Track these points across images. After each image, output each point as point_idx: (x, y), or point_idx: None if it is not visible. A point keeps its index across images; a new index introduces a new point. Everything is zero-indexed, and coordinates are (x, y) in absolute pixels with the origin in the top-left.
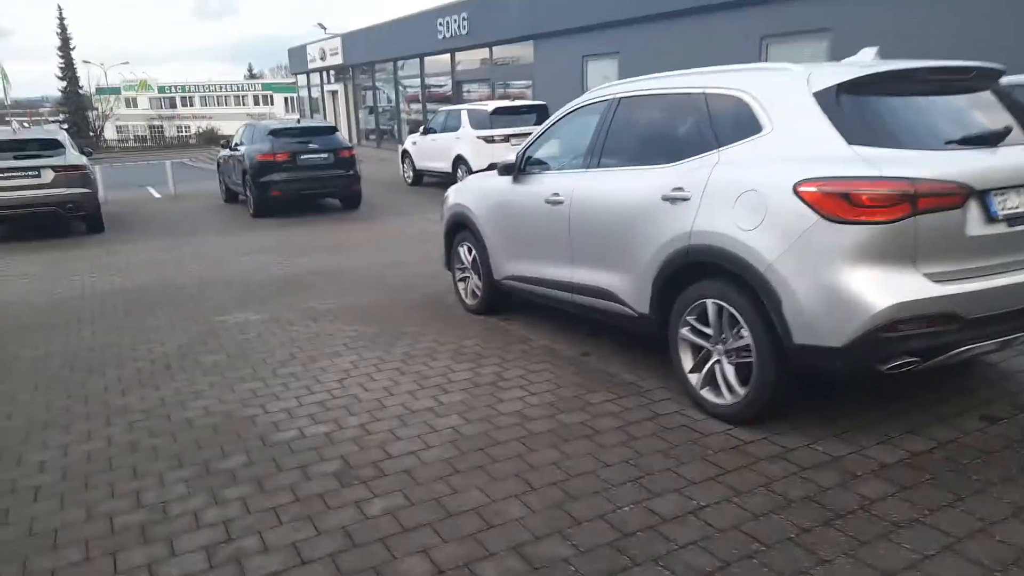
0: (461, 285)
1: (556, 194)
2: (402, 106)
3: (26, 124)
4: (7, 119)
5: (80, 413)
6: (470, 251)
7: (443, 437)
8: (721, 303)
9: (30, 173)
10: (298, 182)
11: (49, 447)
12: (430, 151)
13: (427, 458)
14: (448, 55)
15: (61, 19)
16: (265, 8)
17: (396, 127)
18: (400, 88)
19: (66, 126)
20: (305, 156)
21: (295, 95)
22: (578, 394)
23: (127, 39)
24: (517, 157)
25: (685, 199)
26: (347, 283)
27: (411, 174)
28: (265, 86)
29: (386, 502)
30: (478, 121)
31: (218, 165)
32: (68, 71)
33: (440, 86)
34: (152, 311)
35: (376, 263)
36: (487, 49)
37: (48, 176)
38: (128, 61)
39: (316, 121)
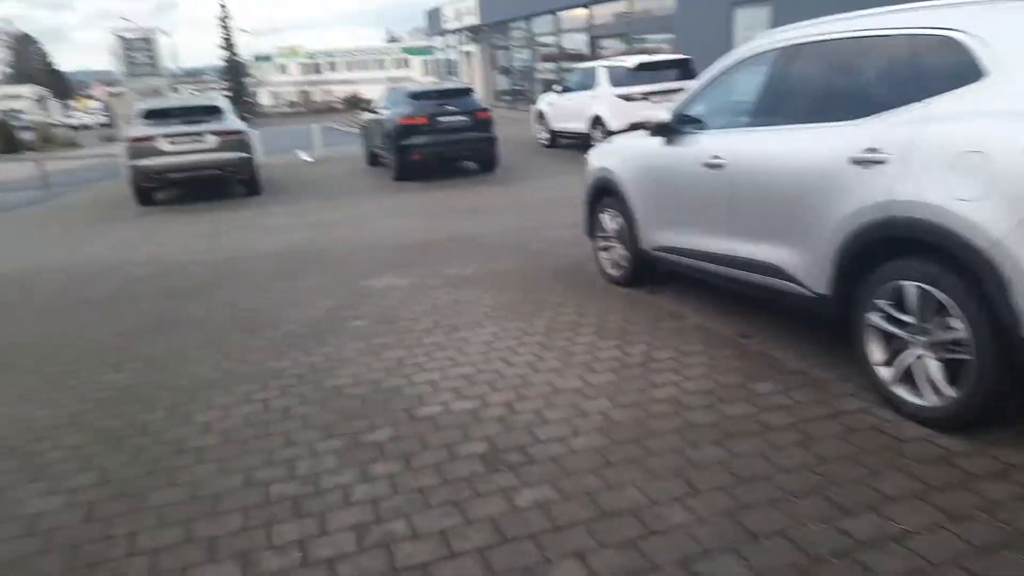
0: (604, 255)
1: (716, 156)
2: (536, 65)
3: (195, 92)
4: (175, 88)
5: (240, 374)
6: (614, 219)
7: (592, 423)
8: (925, 286)
9: (195, 137)
10: (437, 145)
11: (213, 407)
12: (566, 111)
13: (577, 446)
14: (584, 9)
15: None
16: None
17: (531, 87)
18: (534, 47)
19: (228, 93)
20: (443, 119)
21: (432, 58)
22: (740, 382)
23: (276, 6)
24: (671, 115)
25: (880, 162)
26: (486, 248)
27: (547, 135)
28: (404, 49)
29: (536, 493)
30: (617, 78)
31: (362, 129)
32: (228, 41)
33: (573, 45)
34: (303, 273)
35: (513, 227)
36: (626, 1)
37: (211, 141)
38: (279, 29)
39: (453, 82)
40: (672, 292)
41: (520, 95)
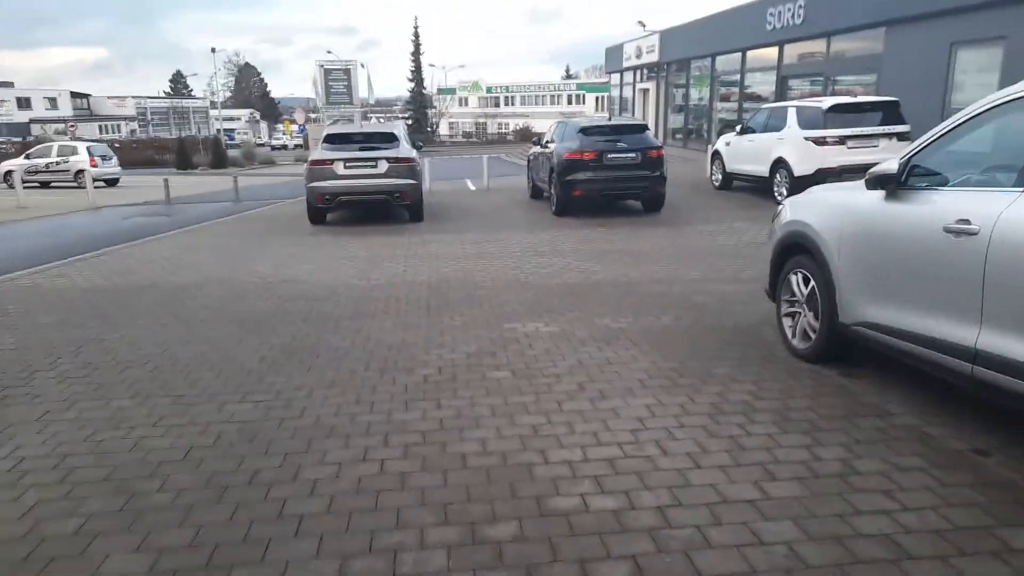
0: (787, 321)
1: (964, 220)
2: (715, 104)
3: (382, 120)
4: (368, 116)
5: (362, 424)
6: (807, 281)
7: (774, 560)
8: None
9: (369, 163)
10: (602, 182)
11: (326, 463)
12: (745, 152)
13: None
14: (774, 48)
15: (416, 29)
16: (587, 10)
17: (706, 126)
18: (715, 86)
19: (410, 122)
20: (612, 155)
21: (606, 94)
22: (984, 524)
23: (467, 44)
24: (898, 166)
25: None
26: (645, 298)
27: (720, 177)
28: (579, 86)
29: None
30: (808, 120)
31: (528, 161)
32: (416, 74)
33: (758, 85)
34: (449, 309)
35: (677, 277)
36: (822, 40)
37: (383, 167)
38: (464, 64)
39: (627, 119)
40: (873, 378)
41: (694, 134)
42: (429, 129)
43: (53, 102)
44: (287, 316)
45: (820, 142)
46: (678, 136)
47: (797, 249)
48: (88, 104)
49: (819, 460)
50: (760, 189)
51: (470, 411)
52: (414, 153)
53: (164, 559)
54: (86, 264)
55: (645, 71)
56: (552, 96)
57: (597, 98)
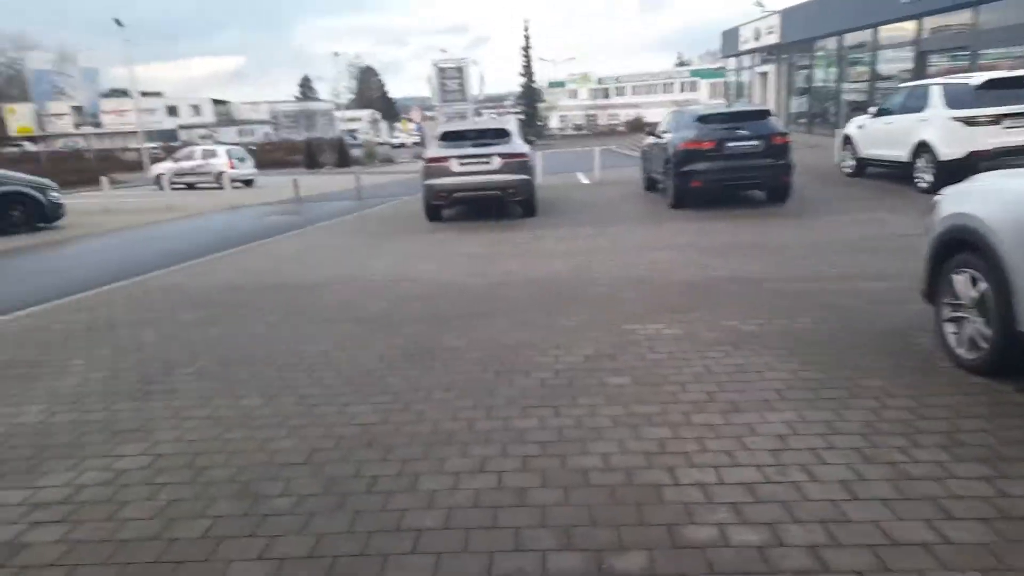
0: (950, 327)
1: None
2: (842, 86)
3: (494, 115)
4: (480, 112)
5: (480, 431)
6: (974, 282)
7: None
8: None
9: (483, 160)
10: (722, 172)
11: (443, 472)
12: (881, 136)
13: None
14: (911, 22)
15: (526, 25)
16: None
17: (833, 110)
18: (842, 66)
19: (521, 117)
20: (732, 144)
21: (721, 80)
22: None
23: (576, 36)
24: None
25: None
26: (774, 296)
27: (852, 163)
28: (692, 72)
29: None
30: (956, 98)
31: (641, 152)
32: (527, 69)
33: (892, 63)
34: (565, 308)
35: (813, 274)
36: (968, 11)
37: (496, 163)
38: (574, 56)
39: (747, 105)
40: None
41: (819, 119)
42: (539, 123)
43: (197, 109)
44: (405, 316)
45: (971, 122)
46: (801, 121)
47: (962, 246)
48: (227, 110)
49: (1007, 498)
50: (898, 176)
51: (590, 420)
52: (527, 148)
53: (285, 568)
54: (224, 262)
55: (764, 54)
56: (664, 84)
57: (711, 84)
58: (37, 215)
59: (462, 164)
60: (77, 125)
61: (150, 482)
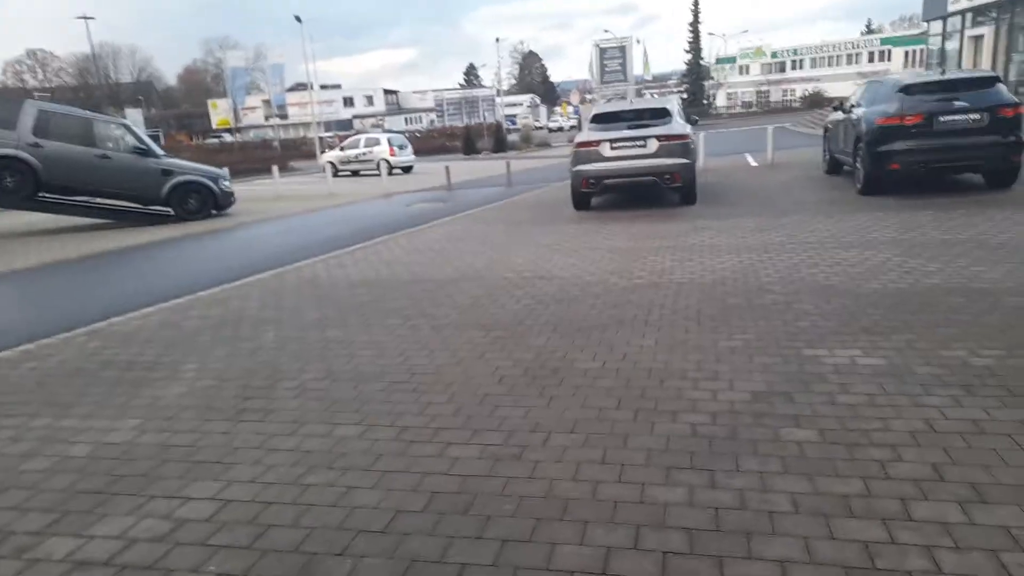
0: None
1: None
2: None
3: (655, 95)
4: (641, 92)
5: (606, 502)
6: None
7: None
8: None
9: (637, 143)
10: (929, 152)
11: (552, 569)
12: None
13: None
14: None
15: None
16: None
17: None
18: None
19: (685, 95)
20: (946, 118)
21: (921, 48)
22: None
23: (754, 9)
24: None
25: None
26: (1015, 316)
27: None
28: (883, 40)
29: None
30: None
31: (825, 130)
32: (694, 45)
33: None
34: (726, 322)
35: None
36: None
37: (653, 146)
38: (748, 30)
39: (967, 71)
40: None
41: None
42: (704, 102)
43: (370, 99)
44: (536, 322)
45: None
46: (1022, 91)
47: None
48: (396, 99)
49: None
50: None
51: (760, 498)
52: (688, 129)
53: None
54: (364, 253)
55: (978, 13)
56: (849, 55)
57: (907, 52)
58: (211, 202)
59: (614, 148)
60: (267, 117)
61: (204, 542)
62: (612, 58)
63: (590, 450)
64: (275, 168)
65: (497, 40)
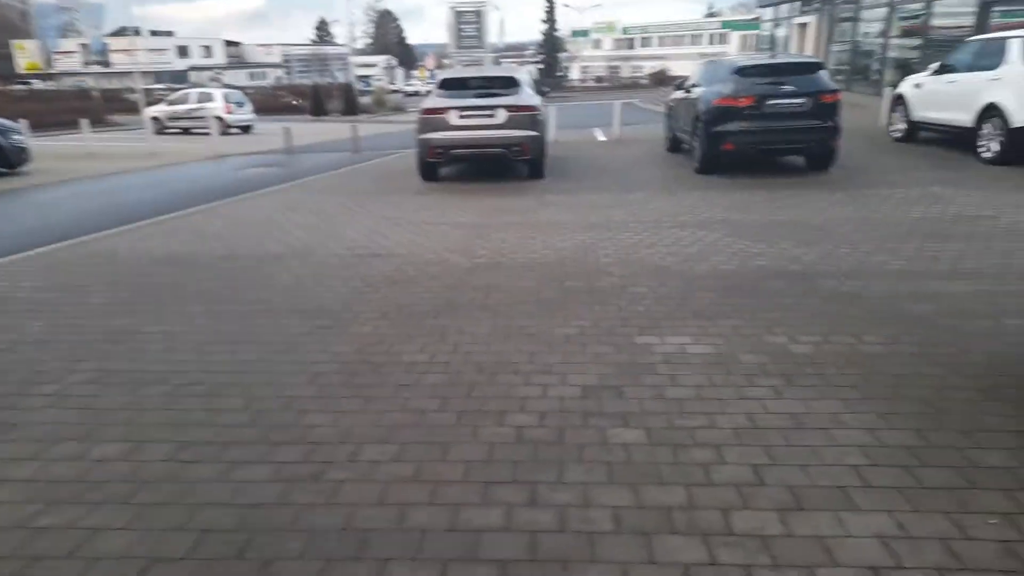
0: None
1: None
2: (890, 41)
3: (514, 64)
4: (499, 61)
5: (413, 535)
6: None
7: None
8: None
9: (486, 112)
10: (760, 133)
11: None
12: (942, 97)
13: None
14: None
15: None
16: None
17: (879, 67)
18: (892, 17)
19: (541, 67)
20: (775, 101)
21: (755, 32)
22: None
23: None
24: None
25: None
26: (832, 301)
27: (903, 126)
28: (724, 23)
29: None
30: None
31: (667, 109)
32: (550, 15)
33: (950, 13)
34: (564, 307)
35: (873, 267)
36: None
37: (502, 116)
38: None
39: (794, 56)
40: None
41: (860, 76)
42: (559, 74)
43: (208, 50)
44: (364, 308)
45: None
46: (840, 78)
47: None
48: (239, 52)
49: None
50: (955, 143)
51: (580, 518)
52: (537, 101)
53: None
54: (176, 224)
55: (804, 4)
56: (692, 36)
57: (743, 36)
58: None
59: (462, 117)
60: (85, 64)
61: None
62: (468, 22)
63: (403, 465)
64: (84, 122)
65: None
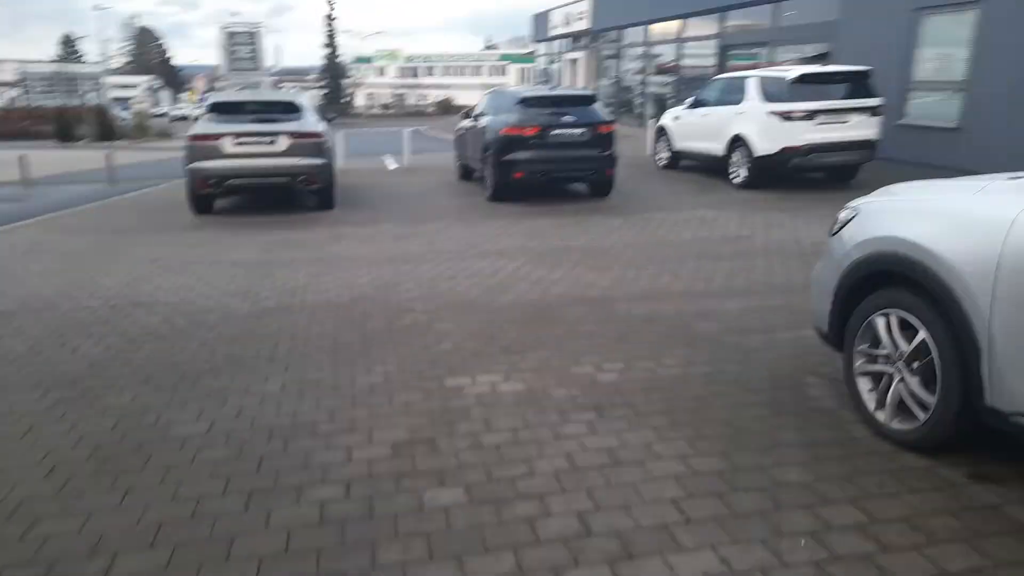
0: (865, 384)
1: None
2: (649, 77)
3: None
4: (280, 85)
5: None
6: (904, 327)
7: None
8: None
9: (265, 139)
10: (546, 162)
11: None
12: (697, 128)
13: None
14: (715, 16)
15: None
16: None
17: (641, 100)
18: (649, 56)
19: (325, 92)
20: (557, 131)
21: (531, 65)
22: None
23: (387, 12)
24: None
25: None
26: (629, 325)
27: (666, 155)
28: (503, 56)
29: None
30: (772, 91)
31: (456, 137)
32: (331, 41)
33: (699, 54)
34: (365, 351)
35: (660, 289)
36: (768, 7)
37: (284, 143)
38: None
39: (572, 88)
40: (1005, 473)
41: (625, 108)
42: (344, 100)
43: None
44: (122, 371)
45: (786, 117)
46: (608, 110)
47: (890, 279)
48: None
49: None
50: (712, 169)
51: None
52: (322, 127)
53: None
54: None
55: (574, 40)
56: (473, 67)
57: (521, 70)
58: None
59: (238, 144)
60: None
61: None
62: (242, 44)
63: (188, 551)
64: None
65: (98, 8)
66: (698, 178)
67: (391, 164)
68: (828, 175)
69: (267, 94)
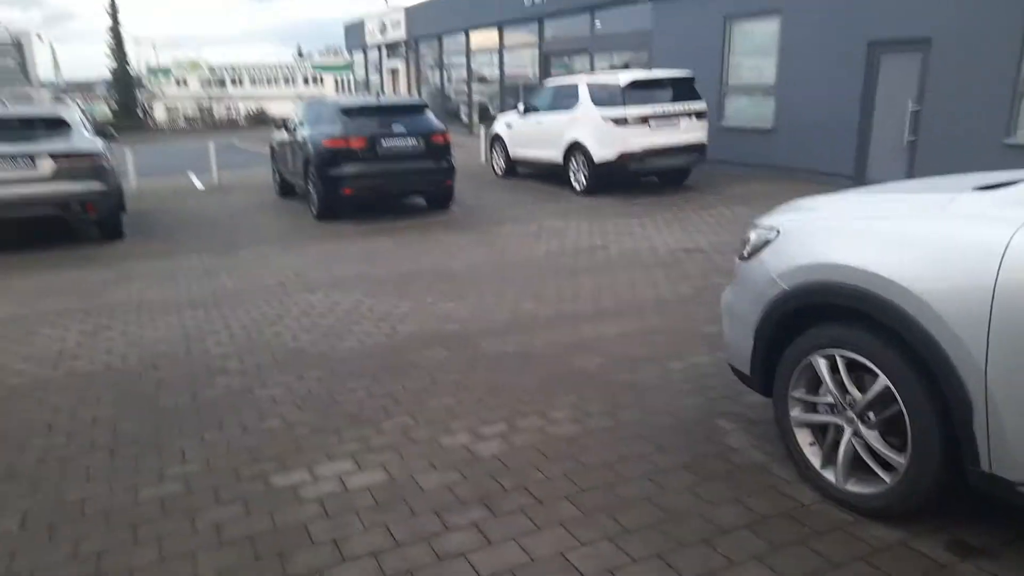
0: (805, 436)
1: None
2: (472, 85)
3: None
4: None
5: None
6: (852, 370)
7: None
8: None
9: (21, 163)
10: (378, 177)
11: None
12: (532, 136)
13: None
14: (535, 24)
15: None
16: None
17: (466, 109)
18: (471, 64)
19: (116, 106)
20: (388, 142)
21: (348, 75)
22: None
23: (179, 22)
24: None
25: None
26: (501, 369)
27: (503, 164)
28: (316, 66)
29: None
30: (604, 97)
31: (272, 151)
32: (118, 51)
33: (519, 63)
34: (159, 445)
35: (523, 316)
36: (586, 15)
37: (46, 167)
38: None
39: (400, 97)
40: (1015, 559)
41: (451, 116)
42: (141, 114)
43: None
44: None
45: (621, 122)
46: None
47: (831, 314)
48: None
49: None
50: (550, 177)
51: None
52: (99, 145)
53: None
54: None
55: (392, 49)
56: (287, 77)
57: (337, 79)
58: None
59: None
60: None
61: None
62: (5, 55)
63: None
64: None
65: None
66: (538, 186)
67: (199, 183)
68: (661, 179)
69: (24, 109)
